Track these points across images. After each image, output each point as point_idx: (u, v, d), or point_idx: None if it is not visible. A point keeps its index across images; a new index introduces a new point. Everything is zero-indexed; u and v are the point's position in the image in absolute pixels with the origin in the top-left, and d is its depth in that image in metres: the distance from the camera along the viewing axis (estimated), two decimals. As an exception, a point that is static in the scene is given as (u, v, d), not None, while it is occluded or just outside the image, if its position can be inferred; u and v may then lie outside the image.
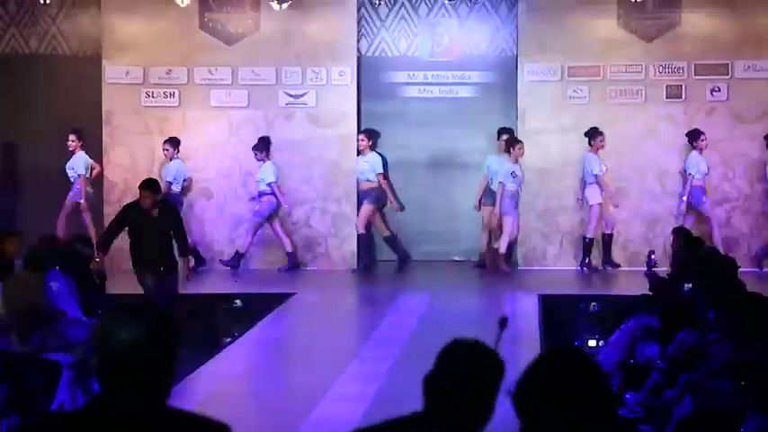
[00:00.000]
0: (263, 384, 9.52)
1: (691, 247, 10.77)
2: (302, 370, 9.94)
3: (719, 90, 14.70)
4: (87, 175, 14.66)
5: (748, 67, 14.65)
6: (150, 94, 15.11)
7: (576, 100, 14.82)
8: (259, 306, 12.18)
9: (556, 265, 14.66)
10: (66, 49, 15.57)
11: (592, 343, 11.47)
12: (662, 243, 13.78)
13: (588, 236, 14.27)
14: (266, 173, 14.47)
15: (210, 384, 9.13)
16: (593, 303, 12.04)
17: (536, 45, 14.80)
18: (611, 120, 14.54)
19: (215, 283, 13.31)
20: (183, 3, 14.31)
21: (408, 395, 3.43)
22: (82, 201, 14.49)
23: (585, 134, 14.19)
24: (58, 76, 15.27)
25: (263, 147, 14.53)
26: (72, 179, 14.62)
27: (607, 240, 14.34)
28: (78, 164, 14.59)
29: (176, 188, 14.57)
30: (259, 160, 14.55)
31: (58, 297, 9.48)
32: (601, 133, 14.13)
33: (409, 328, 11.12)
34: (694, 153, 14.04)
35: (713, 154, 14.37)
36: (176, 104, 15.11)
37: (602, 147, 14.20)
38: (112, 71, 15.05)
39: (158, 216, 10.80)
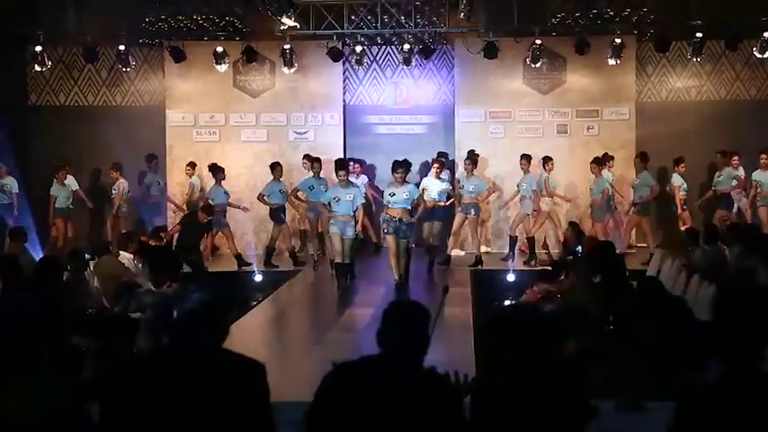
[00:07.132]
0: (281, 330, 9.22)
1: (578, 234, 10.54)
2: (306, 319, 9.94)
3: (593, 128, 14.77)
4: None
5: (611, 112, 14.70)
6: (199, 132, 15.01)
7: (494, 134, 14.83)
8: (279, 277, 12.03)
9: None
10: (141, 102, 15.51)
11: (507, 302, 11.03)
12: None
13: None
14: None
15: (246, 332, 8.71)
16: (509, 274, 11.71)
17: (467, 97, 14.86)
18: (519, 149, 14.34)
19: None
20: (221, 69, 14.40)
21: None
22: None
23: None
24: (136, 120, 15.11)
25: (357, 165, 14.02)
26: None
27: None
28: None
29: (307, 197, 13.01)
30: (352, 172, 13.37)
31: (134, 274, 9.22)
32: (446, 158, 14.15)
33: (379, 291, 10.77)
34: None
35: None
36: (217, 140, 15.04)
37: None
38: (173, 117, 15.01)
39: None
